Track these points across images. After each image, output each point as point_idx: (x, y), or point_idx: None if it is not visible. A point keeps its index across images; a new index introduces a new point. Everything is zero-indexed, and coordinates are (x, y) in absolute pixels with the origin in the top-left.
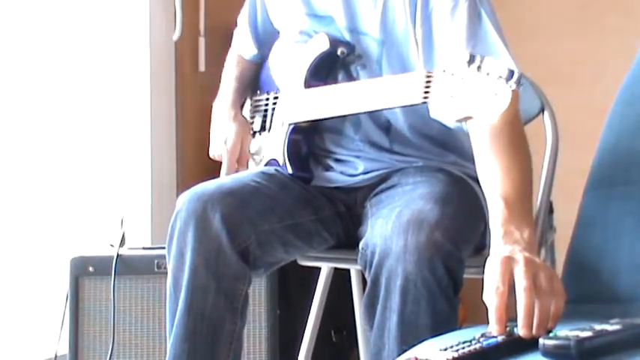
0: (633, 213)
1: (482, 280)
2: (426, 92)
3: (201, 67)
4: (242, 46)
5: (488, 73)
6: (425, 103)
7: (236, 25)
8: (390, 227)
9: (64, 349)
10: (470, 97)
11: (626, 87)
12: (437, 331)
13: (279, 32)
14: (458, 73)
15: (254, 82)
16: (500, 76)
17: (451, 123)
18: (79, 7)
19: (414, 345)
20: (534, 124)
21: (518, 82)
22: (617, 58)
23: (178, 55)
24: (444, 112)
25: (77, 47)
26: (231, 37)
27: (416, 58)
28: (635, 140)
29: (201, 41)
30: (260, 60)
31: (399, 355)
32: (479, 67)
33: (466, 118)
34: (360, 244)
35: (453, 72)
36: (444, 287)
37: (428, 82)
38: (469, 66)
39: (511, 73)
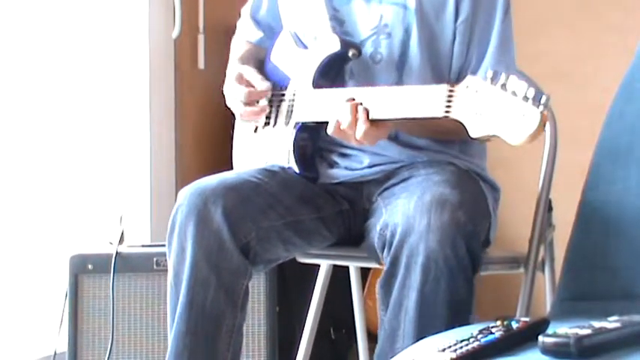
0: (632, 210)
1: (485, 277)
2: (448, 107)
3: (201, 65)
4: (247, 32)
5: (514, 92)
6: (446, 117)
7: (235, 23)
8: (413, 207)
9: (64, 346)
10: (496, 117)
11: (624, 84)
12: (453, 310)
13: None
14: (482, 91)
15: (262, 60)
16: (527, 97)
17: (474, 135)
18: (78, 4)
19: (429, 325)
20: None
21: (546, 104)
22: (616, 56)
23: (178, 52)
24: (468, 127)
25: (76, 45)
26: (231, 35)
27: (445, 31)
28: (633, 137)
29: (201, 38)
30: (265, 44)
31: (414, 335)
32: (503, 85)
33: (491, 136)
34: (378, 226)
35: (477, 89)
36: (464, 267)
37: (450, 96)
38: (493, 83)
39: (538, 93)
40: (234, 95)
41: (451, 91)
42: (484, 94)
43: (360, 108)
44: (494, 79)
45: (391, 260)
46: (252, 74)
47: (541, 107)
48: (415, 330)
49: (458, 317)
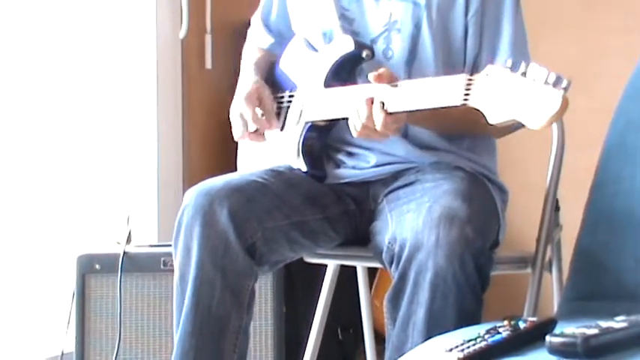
0: (639, 209)
1: (492, 277)
2: (467, 94)
3: (208, 65)
4: (258, 39)
5: (534, 79)
6: (464, 105)
7: (242, 22)
8: (422, 222)
9: (71, 346)
10: (515, 102)
11: (631, 84)
12: (461, 327)
13: (293, 35)
14: (502, 78)
15: (271, 70)
16: (548, 82)
17: (493, 122)
18: (86, 4)
19: None
20: None
21: (567, 88)
22: (621, 57)
23: (185, 52)
24: (486, 114)
25: (83, 45)
26: (238, 35)
27: (456, 26)
28: None
29: (208, 39)
30: (276, 50)
31: None
32: (523, 73)
33: (512, 121)
34: (386, 239)
35: (497, 77)
36: (473, 284)
37: (469, 85)
38: (513, 71)
39: (559, 78)
40: (242, 113)
41: (470, 80)
42: (504, 82)
43: (376, 101)
44: (513, 67)
45: (399, 276)
46: (268, 104)
47: (562, 91)
48: None
49: None
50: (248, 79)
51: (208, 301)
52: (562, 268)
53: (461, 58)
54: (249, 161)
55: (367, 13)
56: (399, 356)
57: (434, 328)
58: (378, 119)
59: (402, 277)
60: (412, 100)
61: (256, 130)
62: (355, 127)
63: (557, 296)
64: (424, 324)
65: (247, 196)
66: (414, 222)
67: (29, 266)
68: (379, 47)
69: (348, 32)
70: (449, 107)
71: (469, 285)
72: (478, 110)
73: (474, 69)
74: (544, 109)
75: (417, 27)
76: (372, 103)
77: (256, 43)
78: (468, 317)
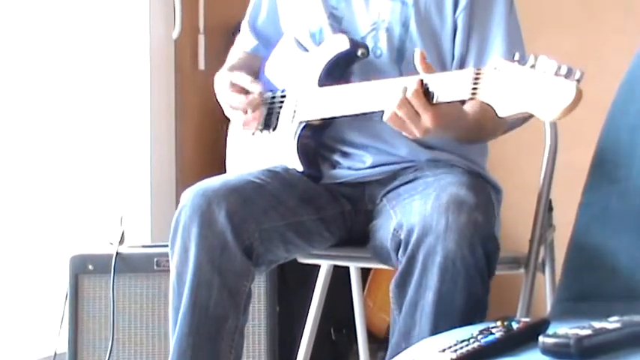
0: (633, 210)
1: None
2: (475, 88)
3: (201, 65)
4: (243, 42)
5: (544, 71)
6: (472, 99)
7: (236, 23)
8: (430, 207)
9: (64, 347)
10: (526, 94)
11: (625, 83)
12: (469, 311)
13: (280, 35)
14: (510, 71)
15: (255, 71)
16: (559, 74)
17: (502, 115)
18: (79, 4)
19: (445, 324)
20: (533, 122)
21: (580, 79)
22: (617, 56)
23: (178, 53)
24: (495, 107)
25: (77, 45)
26: (231, 35)
27: (445, 24)
28: (634, 136)
29: (201, 39)
30: (260, 53)
31: (430, 334)
32: (533, 66)
33: (523, 114)
34: (391, 227)
35: (505, 70)
36: (481, 268)
37: (477, 78)
38: (521, 64)
39: (571, 70)
40: (231, 104)
41: (478, 73)
42: (513, 74)
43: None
44: (521, 60)
45: (407, 260)
46: (241, 78)
47: (575, 82)
48: (431, 329)
49: (474, 318)
50: (223, 76)
51: (206, 302)
52: (555, 268)
53: (451, 57)
54: (237, 163)
55: (356, 11)
56: (406, 342)
57: (442, 312)
58: (421, 104)
59: (410, 261)
60: None
61: (254, 110)
62: (398, 114)
63: (550, 297)
64: (432, 308)
65: (244, 197)
66: (421, 208)
67: (22, 267)
68: (368, 46)
69: (337, 31)
70: (457, 101)
71: (477, 270)
72: (487, 104)
73: (461, 64)
74: (557, 100)
75: (405, 26)
76: (422, 84)
77: (240, 47)
78: (476, 302)
